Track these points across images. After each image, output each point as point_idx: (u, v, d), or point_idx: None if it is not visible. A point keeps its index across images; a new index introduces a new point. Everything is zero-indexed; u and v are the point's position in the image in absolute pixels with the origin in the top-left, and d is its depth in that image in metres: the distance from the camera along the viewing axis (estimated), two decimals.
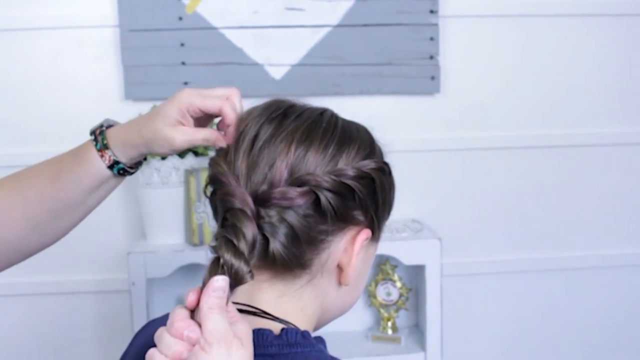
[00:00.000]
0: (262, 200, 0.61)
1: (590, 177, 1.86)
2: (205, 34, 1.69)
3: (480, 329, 1.88)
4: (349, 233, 0.66)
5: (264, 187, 0.61)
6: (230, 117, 0.67)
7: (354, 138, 0.66)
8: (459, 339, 1.85)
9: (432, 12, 1.72)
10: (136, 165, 0.80)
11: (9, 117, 1.71)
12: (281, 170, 0.61)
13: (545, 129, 1.82)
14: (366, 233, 0.66)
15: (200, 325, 0.54)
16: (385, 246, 1.61)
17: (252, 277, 0.58)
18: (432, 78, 1.75)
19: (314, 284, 0.66)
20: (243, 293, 0.64)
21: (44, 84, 1.70)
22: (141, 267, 1.54)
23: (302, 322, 0.66)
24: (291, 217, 0.61)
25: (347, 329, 1.80)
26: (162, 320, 0.73)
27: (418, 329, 1.79)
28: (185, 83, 1.69)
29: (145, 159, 0.81)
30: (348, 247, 0.66)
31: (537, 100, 1.81)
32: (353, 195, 0.64)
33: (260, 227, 0.61)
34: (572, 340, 1.90)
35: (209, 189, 0.66)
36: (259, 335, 0.61)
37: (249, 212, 0.60)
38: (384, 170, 0.68)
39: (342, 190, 0.63)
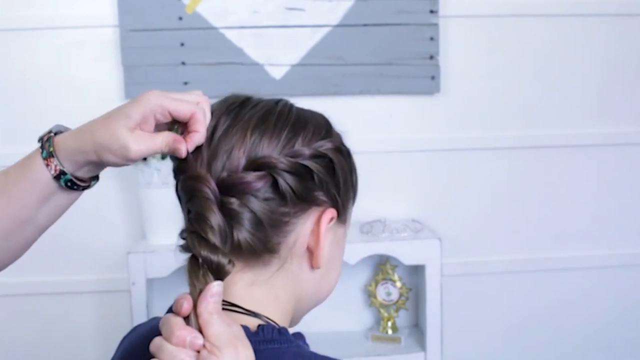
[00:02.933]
0: (222, 188, 0.62)
1: (590, 177, 1.86)
2: (205, 34, 1.69)
3: (480, 328, 1.88)
4: (313, 214, 0.66)
5: (224, 174, 0.62)
6: (201, 122, 0.63)
7: (309, 121, 0.67)
8: (459, 339, 1.85)
9: (432, 12, 1.72)
10: (89, 179, 0.70)
11: (9, 117, 1.71)
12: (238, 157, 0.62)
13: (545, 129, 1.82)
14: (331, 212, 0.66)
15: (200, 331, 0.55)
16: (385, 246, 1.61)
17: (233, 266, 0.59)
18: (432, 78, 1.75)
19: (285, 269, 0.66)
20: None
21: (44, 84, 1.70)
22: (141, 267, 1.54)
23: (276, 312, 0.66)
24: (251, 202, 0.62)
25: (347, 329, 1.80)
26: (148, 325, 0.73)
27: (418, 329, 1.79)
28: (185, 83, 1.70)
29: (97, 177, 0.72)
30: (314, 229, 0.66)
31: (537, 100, 1.81)
32: (312, 176, 0.64)
33: (223, 215, 0.61)
34: (572, 340, 1.90)
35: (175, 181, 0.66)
36: None
37: (212, 197, 0.61)
38: (342, 151, 0.68)
39: (299, 171, 0.63)
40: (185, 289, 0.58)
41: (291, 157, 0.63)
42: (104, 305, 1.77)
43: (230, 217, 0.61)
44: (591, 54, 1.82)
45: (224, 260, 0.58)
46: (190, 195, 0.62)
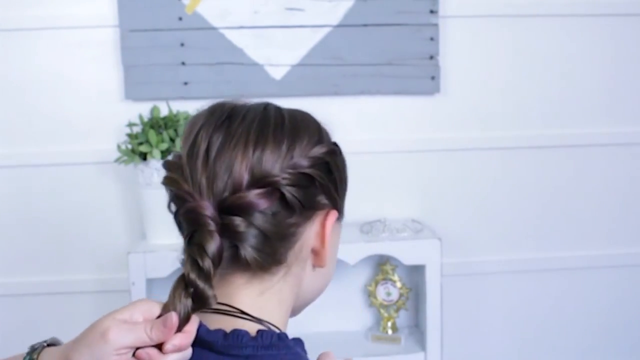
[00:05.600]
0: (226, 208, 0.61)
1: (590, 177, 1.86)
2: (205, 34, 1.69)
3: (480, 329, 1.88)
4: (317, 218, 0.67)
5: (226, 193, 0.61)
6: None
7: (303, 128, 0.67)
8: (459, 339, 1.85)
9: (432, 12, 1.72)
10: None
11: (9, 117, 1.71)
12: (241, 173, 0.62)
13: (545, 129, 1.83)
14: (334, 214, 0.68)
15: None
16: (385, 246, 1.61)
17: (215, 301, 0.60)
18: (432, 78, 1.75)
19: (290, 274, 0.67)
20: (224, 294, 0.65)
21: (44, 84, 1.70)
22: (141, 267, 1.54)
23: (279, 316, 0.66)
24: (258, 219, 0.62)
25: (347, 329, 1.80)
26: None
27: (418, 329, 1.79)
28: (185, 83, 1.69)
29: None
30: (319, 231, 0.67)
31: (537, 100, 1.81)
32: (314, 182, 0.65)
33: (228, 236, 0.61)
34: (572, 340, 1.90)
35: (173, 207, 0.65)
36: (234, 336, 0.62)
37: (212, 228, 0.60)
38: (335, 152, 0.69)
39: (302, 182, 0.64)
40: None
41: (293, 169, 0.63)
42: (104, 305, 1.77)
43: (235, 238, 0.61)
44: (591, 54, 1.82)
45: (208, 292, 0.59)
46: (193, 227, 0.61)
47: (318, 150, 0.66)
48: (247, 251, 0.61)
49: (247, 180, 0.61)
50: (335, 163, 0.68)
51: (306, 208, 0.65)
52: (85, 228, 1.75)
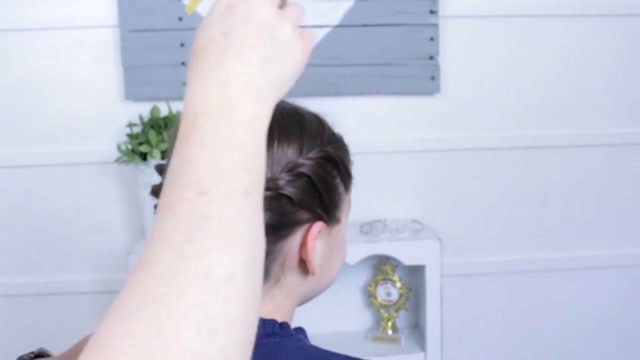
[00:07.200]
0: None
1: (590, 177, 1.85)
2: None
3: (480, 329, 1.88)
4: (299, 232, 0.63)
5: None
6: None
7: (280, 140, 0.62)
8: (459, 339, 1.85)
9: (432, 12, 1.72)
10: None
11: (9, 117, 1.71)
12: None
13: (545, 129, 1.82)
14: (318, 227, 0.64)
15: None
16: (385, 246, 1.61)
17: None
18: (432, 78, 1.75)
19: (281, 285, 0.65)
20: None
21: (44, 84, 1.70)
22: None
23: (279, 317, 0.65)
24: None
25: (347, 329, 1.80)
26: None
27: (418, 329, 1.79)
28: (185, 84, 1.69)
29: None
30: (303, 242, 0.64)
31: (537, 100, 1.81)
32: (289, 201, 0.61)
33: None
34: (572, 340, 1.90)
35: None
36: None
37: None
38: (321, 164, 0.63)
39: (272, 204, 0.60)
40: None
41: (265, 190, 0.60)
42: (104, 305, 1.77)
43: None
44: (590, 54, 1.82)
45: None
46: None
47: (300, 164, 0.61)
48: None
49: None
50: (321, 175, 0.63)
51: (282, 228, 0.61)
52: (85, 228, 1.75)
